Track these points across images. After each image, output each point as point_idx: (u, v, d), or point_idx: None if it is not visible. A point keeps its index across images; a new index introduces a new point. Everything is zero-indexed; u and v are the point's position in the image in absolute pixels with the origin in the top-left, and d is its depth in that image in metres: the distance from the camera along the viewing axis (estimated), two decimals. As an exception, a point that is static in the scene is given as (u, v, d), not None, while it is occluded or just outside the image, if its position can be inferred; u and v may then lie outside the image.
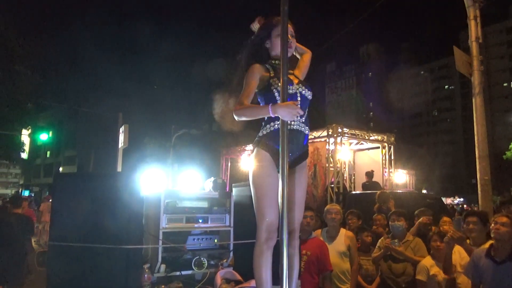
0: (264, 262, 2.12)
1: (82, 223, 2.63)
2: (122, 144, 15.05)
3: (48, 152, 48.34)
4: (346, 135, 10.31)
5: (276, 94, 2.23)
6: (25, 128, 23.69)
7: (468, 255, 3.39)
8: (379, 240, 4.40)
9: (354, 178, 11.78)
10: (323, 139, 10.20)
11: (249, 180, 2.28)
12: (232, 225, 3.28)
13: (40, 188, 42.91)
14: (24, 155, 29.07)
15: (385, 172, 11.08)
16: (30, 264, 4.97)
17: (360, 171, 11.51)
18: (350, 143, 11.40)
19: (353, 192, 9.90)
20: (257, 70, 2.28)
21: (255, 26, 2.46)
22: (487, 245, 3.16)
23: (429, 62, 65.08)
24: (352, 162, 11.80)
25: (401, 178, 13.33)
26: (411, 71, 64.89)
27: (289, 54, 2.24)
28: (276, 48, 2.35)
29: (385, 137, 11.23)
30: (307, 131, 2.34)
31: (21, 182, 51.06)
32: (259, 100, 2.35)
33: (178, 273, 2.99)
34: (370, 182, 9.58)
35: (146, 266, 2.85)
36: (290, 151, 2.17)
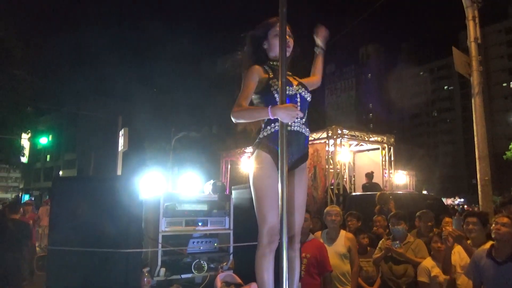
0: (266, 265, 2.11)
1: (81, 227, 2.62)
2: (122, 147, 15.03)
3: (48, 156, 48.37)
4: (346, 136, 10.30)
5: (276, 95, 2.21)
6: (25, 132, 23.71)
7: (467, 255, 3.37)
8: (380, 241, 4.39)
9: (354, 180, 11.77)
10: (322, 141, 10.20)
11: (249, 182, 2.26)
12: (232, 227, 3.26)
13: (40, 192, 42.88)
14: (24, 159, 29.09)
15: (385, 173, 11.07)
16: (29, 269, 4.97)
17: (360, 172, 11.50)
18: (350, 145, 11.40)
19: (353, 194, 9.89)
20: (256, 72, 2.27)
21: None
22: (487, 245, 3.15)
23: (428, 63, 65.18)
24: (352, 164, 11.79)
25: (401, 179, 13.32)
26: (411, 71, 64.99)
27: (287, 54, 2.24)
28: (274, 48, 2.34)
29: (385, 138, 11.22)
30: (307, 133, 2.33)
31: (21, 186, 51.03)
32: (258, 101, 2.33)
33: (178, 276, 2.98)
34: (370, 184, 9.57)
35: (145, 269, 2.84)
36: (290, 153, 2.16)
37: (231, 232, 3.26)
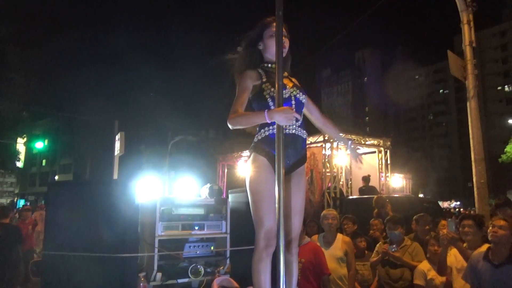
0: (263, 269, 2.09)
1: (76, 231, 2.60)
2: (118, 151, 14.98)
3: (44, 161, 48.09)
4: (342, 140, 10.31)
5: (269, 99, 2.20)
6: (21, 136, 23.60)
7: (463, 258, 3.38)
8: (377, 245, 4.39)
9: (350, 183, 11.79)
10: (319, 144, 10.21)
11: (246, 186, 2.25)
12: (228, 231, 3.25)
13: (36, 197, 42.58)
14: (20, 164, 28.94)
15: (382, 176, 11.09)
16: (24, 274, 4.94)
17: (356, 175, 11.51)
18: (347, 148, 11.39)
19: (350, 197, 9.90)
20: (249, 77, 2.25)
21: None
22: (484, 248, 3.15)
23: (424, 67, 65.55)
24: (348, 167, 11.81)
25: (397, 182, 13.36)
26: (406, 75, 65.29)
27: (284, 55, 2.23)
28: (269, 49, 2.31)
29: (381, 141, 11.26)
30: (304, 135, 2.31)
31: (17, 191, 50.67)
32: (252, 106, 2.30)
33: (174, 281, 2.96)
34: (367, 187, 9.58)
35: (141, 274, 2.83)
36: (287, 156, 2.14)
37: (228, 236, 3.25)
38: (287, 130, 2.18)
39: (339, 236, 4.41)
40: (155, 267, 2.87)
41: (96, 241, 2.58)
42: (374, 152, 11.38)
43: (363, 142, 11.00)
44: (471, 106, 6.84)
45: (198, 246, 3.20)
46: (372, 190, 9.40)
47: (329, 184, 9.86)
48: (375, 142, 11.22)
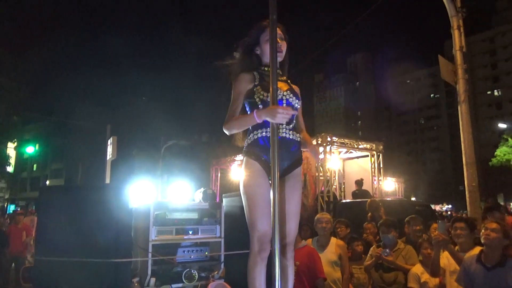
0: (258, 273, 2.08)
1: (69, 236, 2.57)
2: (111, 155, 14.92)
3: (35, 165, 47.55)
4: (335, 144, 10.37)
5: (259, 102, 2.19)
6: (11, 141, 23.33)
7: (454, 260, 3.40)
8: (371, 248, 4.40)
9: (344, 187, 11.83)
10: (312, 148, 10.23)
11: (240, 190, 2.24)
12: (223, 236, 3.25)
13: (27, 202, 42.02)
14: (10, 169, 28.56)
15: (375, 180, 11.15)
16: (13, 279, 4.88)
17: (349, 179, 11.56)
18: (340, 152, 11.47)
19: (343, 201, 9.92)
20: (242, 80, 2.25)
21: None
22: (476, 251, 3.18)
23: (415, 71, 66.18)
24: (341, 171, 11.86)
25: (390, 186, 13.45)
26: (398, 80, 65.89)
27: (280, 59, 2.22)
28: (266, 53, 2.30)
29: (374, 145, 11.32)
30: (297, 138, 2.29)
31: (7, 196, 49.97)
32: (246, 109, 2.31)
33: (168, 286, 2.94)
34: (360, 191, 9.61)
35: (135, 279, 2.80)
36: (279, 160, 2.14)
37: (222, 240, 3.24)
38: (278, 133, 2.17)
39: (333, 239, 4.41)
40: (149, 272, 2.86)
41: (89, 246, 2.56)
42: (367, 156, 11.45)
43: (356, 146, 11.06)
44: (462, 111, 6.93)
45: (192, 250, 3.18)
46: (365, 193, 9.43)
47: (322, 188, 9.88)
48: (368, 146, 11.28)
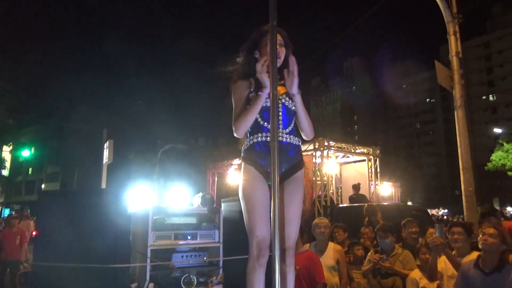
0: (257, 279, 2.07)
1: (67, 242, 2.56)
2: (107, 159, 14.83)
3: (30, 169, 47.26)
4: (332, 148, 10.39)
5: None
6: (7, 144, 23.21)
7: (451, 264, 3.42)
8: (369, 254, 4.41)
9: (341, 191, 11.83)
10: (309, 153, 10.26)
11: (238, 195, 2.24)
12: (221, 241, 3.24)
13: (22, 206, 41.74)
14: (5, 172, 28.40)
15: (372, 184, 11.17)
16: (9, 284, 4.84)
17: (346, 184, 11.58)
18: (337, 156, 11.49)
19: (341, 205, 9.93)
20: (240, 87, 2.27)
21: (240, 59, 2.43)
22: (474, 256, 3.20)
23: (411, 76, 66.54)
24: (338, 175, 11.87)
25: (386, 190, 13.46)
26: (394, 84, 66.22)
27: (278, 65, 2.23)
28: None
29: (371, 150, 11.36)
30: (296, 142, 2.27)
31: (1, 200, 49.63)
32: None
33: (166, 291, 2.93)
34: (357, 195, 9.63)
35: (134, 285, 2.80)
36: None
37: (221, 245, 3.24)
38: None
39: (331, 244, 4.42)
40: (147, 278, 2.85)
41: (87, 251, 2.54)
42: (364, 160, 11.48)
43: (353, 151, 11.09)
44: (459, 116, 6.97)
45: (191, 255, 3.18)
46: (362, 198, 9.45)
47: (320, 192, 9.89)
48: (365, 150, 11.32)
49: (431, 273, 3.50)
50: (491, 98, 56.65)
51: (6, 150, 23.98)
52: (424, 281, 3.69)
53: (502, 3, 54.88)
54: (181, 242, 3.12)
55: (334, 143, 10.50)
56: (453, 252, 3.53)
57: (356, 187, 9.80)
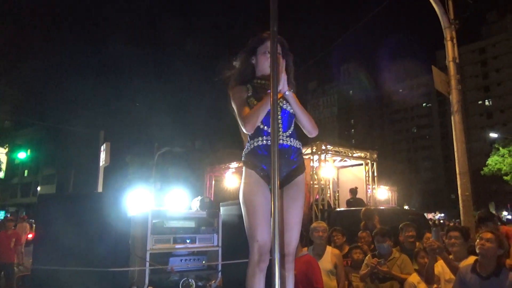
0: (257, 284, 2.07)
1: (67, 245, 2.56)
2: (104, 162, 14.78)
3: (26, 171, 47.07)
4: (330, 152, 10.41)
5: None
6: (2, 146, 23.10)
7: (448, 267, 3.44)
8: (366, 258, 4.42)
9: (338, 195, 11.85)
10: (307, 157, 10.27)
11: (239, 199, 2.24)
12: (220, 245, 3.24)
13: (17, 208, 41.52)
14: (1, 174, 28.23)
15: (369, 188, 11.19)
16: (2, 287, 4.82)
17: (344, 188, 11.59)
18: (334, 160, 11.51)
19: (338, 209, 9.94)
20: (240, 90, 2.27)
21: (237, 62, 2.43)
22: (471, 260, 3.22)
23: (407, 80, 66.88)
24: (336, 179, 11.89)
25: (383, 194, 13.49)
26: (391, 89, 66.54)
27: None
28: (261, 65, 2.33)
29: (368, 154, 11.38)
30: (297, 145, 2.27)
31: (-4, 202, 49.34)
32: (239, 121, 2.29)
33: (165, 295, 2.93)
34: (354, 199, 9.65)
35: (132, 289, 2.79)
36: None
37: (220, 249, 3.24)
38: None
39: (328, 248, 4.43)
40: (146, 281, 2.84)
41: (86, 255, 2.54)
42: (361, 164, 11.50)
43: (350, 155, 11.11)
44: (455, 120, 7.01)
45: (190, 259, 3.18)
46: (360, 202, 9.47)
47: (317, 196, 9.90)
48: (362, 154, 11.35)
49: (428, 277, 3.52)
50: (487, 103, 57.04)
51: (2, 152, 23.86)
52: (422, 285, 3.71)
53: (497, 9, 55.48)
54: (180, 245, 3.12)
55: (332, 147, 10.52)
56: (450, 256, 3.56)
57: (354, 191, 9.82)
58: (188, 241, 3.15)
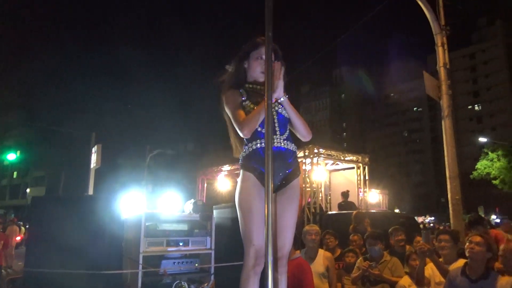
0: (251, 287, 2.07)
1: (60, 248, 2.55)
2: (95, 164, 14.68)
3: (15, 173, 46.48)
4: (322, 155, 10.46)
5: (247, 114, 2.21)
6: (-9, 147, 22.79)
7: (438, 270, 3.48)
8: (358, 260, 4.45)
9: (330, 198, 11.90)
10: (299, 160, 10.30)
11: (235, 203, 2.24)
12: (213, 247, 3.25)
13: (6, 210, 40.91)
14: (-11, 176, 27.83)
15: (360, 192, 11.26)
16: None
17: (335, 191, 11.65)
18: (326, 164, 11.57)
19: (329, 212, 9.98)
20: (232, 95, 2.28)
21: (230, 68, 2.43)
22: (461, 263, 3.27)
23: (398, 85, 67.47)
24: (328, 182, 11.94)
25: (374, 197, 13.58)
26: (382, 93, 67.12)
27: (263, 79, 2.24)
28: (253, 70, 2.33)
29: (360, 157, 11.47)
30: (292, 148, 2.28)
31: (-15, 204, 48.60)
32: (233, 126, 2.27)
33: (158, 298, 2.93)
34: (345, 202, 9.70)
35: (125, 291, 2.78)
36: (274, 172, 2.14)
37: (213, 252, 3.24)
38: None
39: (321, 251, 4.45)
40: (139, 284, 2.84)
41: (80, 257, 2.54)
42: (353, 168, 11.58)
43: (342, 158, 11.18)
44: (446, 125, 7.09)
45: (182, 262, 3.18)
46: (351, 205, 9.52)
47: (309, 200, 9.93)
48: (354, 158, 11.42)
49: (419, 279, 3.56)
50: (476, 107, 57.79)
51: (-9, 154, 23.51)
52: (413, 288, 3.75)
53: (487, 16, 56.37)
54: (173, 248, 3.12)
55: (324, 151, 10.57)
56: (440, 259, 3.60)
57: (345, 194, 9.87)
58: (181, 243, 3.16)
